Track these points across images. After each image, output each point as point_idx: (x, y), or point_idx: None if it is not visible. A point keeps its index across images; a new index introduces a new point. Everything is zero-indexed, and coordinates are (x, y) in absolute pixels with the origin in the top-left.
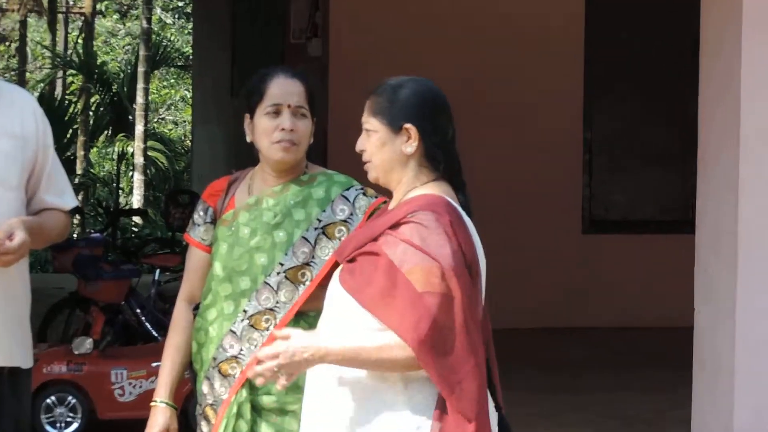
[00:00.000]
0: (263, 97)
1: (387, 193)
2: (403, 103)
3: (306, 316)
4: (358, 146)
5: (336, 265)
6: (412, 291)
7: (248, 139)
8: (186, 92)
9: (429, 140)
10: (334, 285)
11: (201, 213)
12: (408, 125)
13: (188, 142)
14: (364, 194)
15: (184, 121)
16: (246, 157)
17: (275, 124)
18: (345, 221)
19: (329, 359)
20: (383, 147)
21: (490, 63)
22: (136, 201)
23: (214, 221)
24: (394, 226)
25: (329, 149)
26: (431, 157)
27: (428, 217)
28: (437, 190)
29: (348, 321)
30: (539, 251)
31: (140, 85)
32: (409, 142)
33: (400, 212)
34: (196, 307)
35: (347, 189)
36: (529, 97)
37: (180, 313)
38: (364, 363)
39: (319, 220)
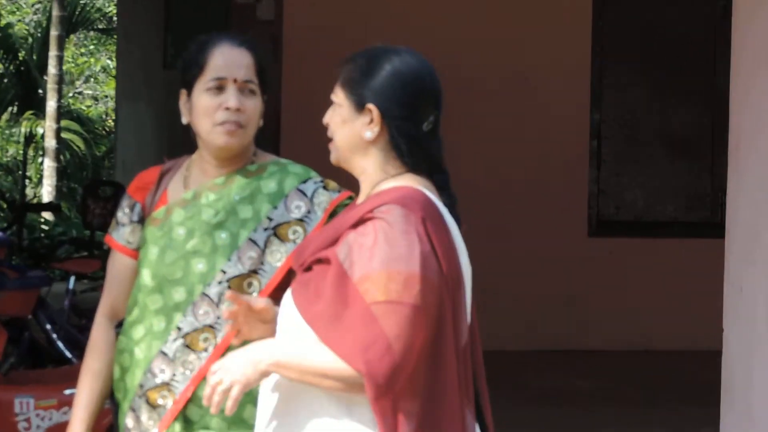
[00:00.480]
0: (203, 70)
1: (354, 188)
2: (375, 78)
3: None
4: (325, 119)
5: (291, 274)
6: (361, 304)
7: (184, 121)
8: (108, 62)
9: (395, 128)
10: (287, 300)
11: (126, 210)
12: (371, 106)
13: (111, 122)
14: (325, 188)
15: (106, 97)
16: (181, 142)
17: (218, 102)
18: (301, 220)
19: (277, 360)
20: (344, 125)
21: (478, 32)
22: (47, 193)
23: (142, 220)
24: (356, 224)
25: (282, 134)
26: (397, 146)
27: (396, 212)
28: (414, 182)
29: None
30: (536, 258)
31: (53, 53)
32: (370, 126)
33: (364, 207)
34: (120, 324)
35: (304, 181)
36: (522, 69)
37: (100, 331)
38: (306, 372)
39: (270, 219)
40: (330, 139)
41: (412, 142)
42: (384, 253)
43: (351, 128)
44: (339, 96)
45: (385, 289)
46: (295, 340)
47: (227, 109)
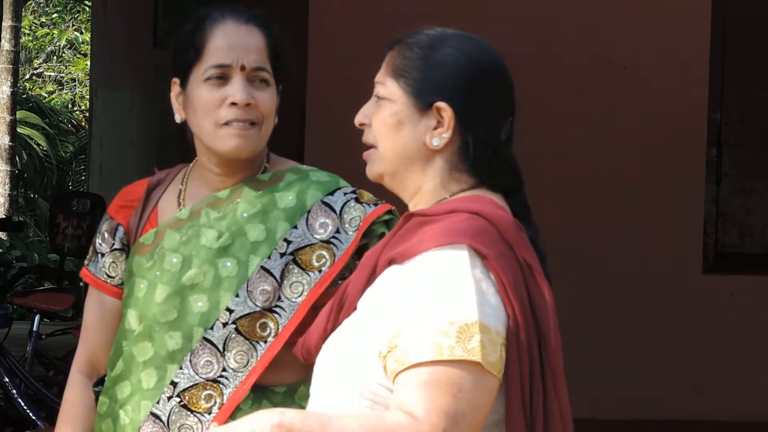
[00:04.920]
0: (201, 55)
1: (394, 200)
2: (443, 68)
3: (271, 393)
4: (360, 117)
5: (314, 309)
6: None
7: (178, 119)
8: (77, 34)
9: (471, 132)
10: (326, 356)
11: (106, 235)
12: (442, 104)
13: (80, 113)
14: (358, 200)
15: (73, 81)
16: (176, 144)
17: (221, 95)
18: (328, 242)
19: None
20: (400, 128)
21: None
22: None
23: (126, 247)
24: (401, 257)
25: (308, 134)
26: (471, 157)
27: (463, 247)
28: (486, 202)
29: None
30: (634, 302)
31: (6, 23)
32: (438, 131)
33: (422, 234)
34: (100, 382)
35: (331, 192)
36: (620, 58)
37: (75, 391)
38: None
39: (288, 242)
40: (366, 146)
41: (491, 152)
42: (433, 299)
43: (410, 133)
44: (390, 89)
45: (437, 344)
46: (329, 406)
47: (233, 104)
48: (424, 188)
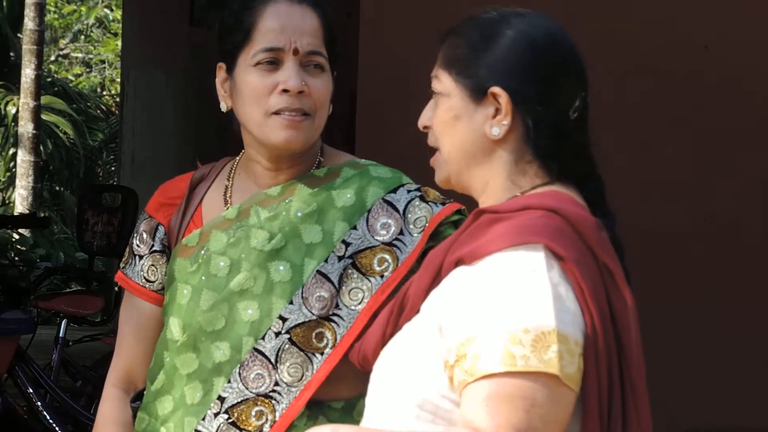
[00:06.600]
0: (250, 37)
1: (463, 199)
2: (495, 51)
3: (328, 408)
4: (422, 119)
5: (374, 316)
6: (467, 377)
7: (224, 107)
8: (107, 11)
9: (534, 116)
10: (385, 364)
11: (144, 235)
12: (496, 89)
13: (111, 98)
14: (423, 198)
15: (103, 62)
16: (218, 131)
17: (272, 82)
18: (390, 245)
19: None
20: (456, 123)
21: None
22: (21, 199)
23: (167, 249)
24: (472, 256)
25: (359, 125)
26: (533, 142)
27: (538, 247)
28: (567, 195)
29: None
30: (727, 327)
31: (30, 0)
32: (497, 119)
33: (485, 236)
34: (139, 397)
35: (393, 190)
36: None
37: (110, 407)
38: None
39: (347, 244)
40: (431, 150)
41: (557, 135)
42: (506, 304)
43: (467, 126)
44: (444, 82)
45: (509, 353)
46: (385, 419)
47: (285, 91)
48: (491, 184)
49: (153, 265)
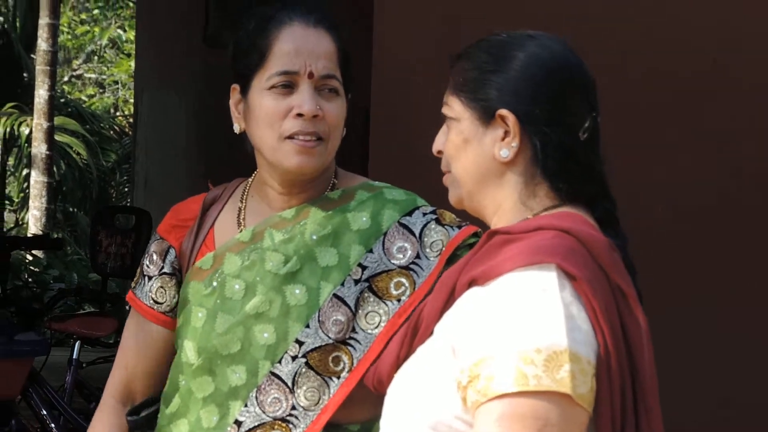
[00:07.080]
0: (265, 59)
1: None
2: (504, 73)
3: (344, 431)
4: (436, 145)
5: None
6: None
7: (237, 129)
8: (120, 32)
9: (542, 138)
10: (399, 388)
11: (155, 256)
12: (504, 111)
13: (125, 119)
14: (439, 222)
15: (116, 83)
16: (230, 152)
17: (286, 105)
18: (408, 269)
19: None
20: (466, 146)
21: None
22: (34, 220)
23: (177, 272)
24: (485, 276)
25: (372, 147)
26: (541, 163)
27: (551, 267)
28: (579, 216)
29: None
30: (740, 344)
31: (43, 20)
32: (505, 141)
33: (505, 253)
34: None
35: (409, 213)
36: (713, 50)
37: (105, 416)
38: None
39: (363, 267)
40: (445, 173)
41: (566, 156)
42: (518, 324)
43: (477, 149)
44: (454, 108)
45: (522, 374)
46: None
47: (299, 115)
48: (503, 206)
49: (162, 286)
